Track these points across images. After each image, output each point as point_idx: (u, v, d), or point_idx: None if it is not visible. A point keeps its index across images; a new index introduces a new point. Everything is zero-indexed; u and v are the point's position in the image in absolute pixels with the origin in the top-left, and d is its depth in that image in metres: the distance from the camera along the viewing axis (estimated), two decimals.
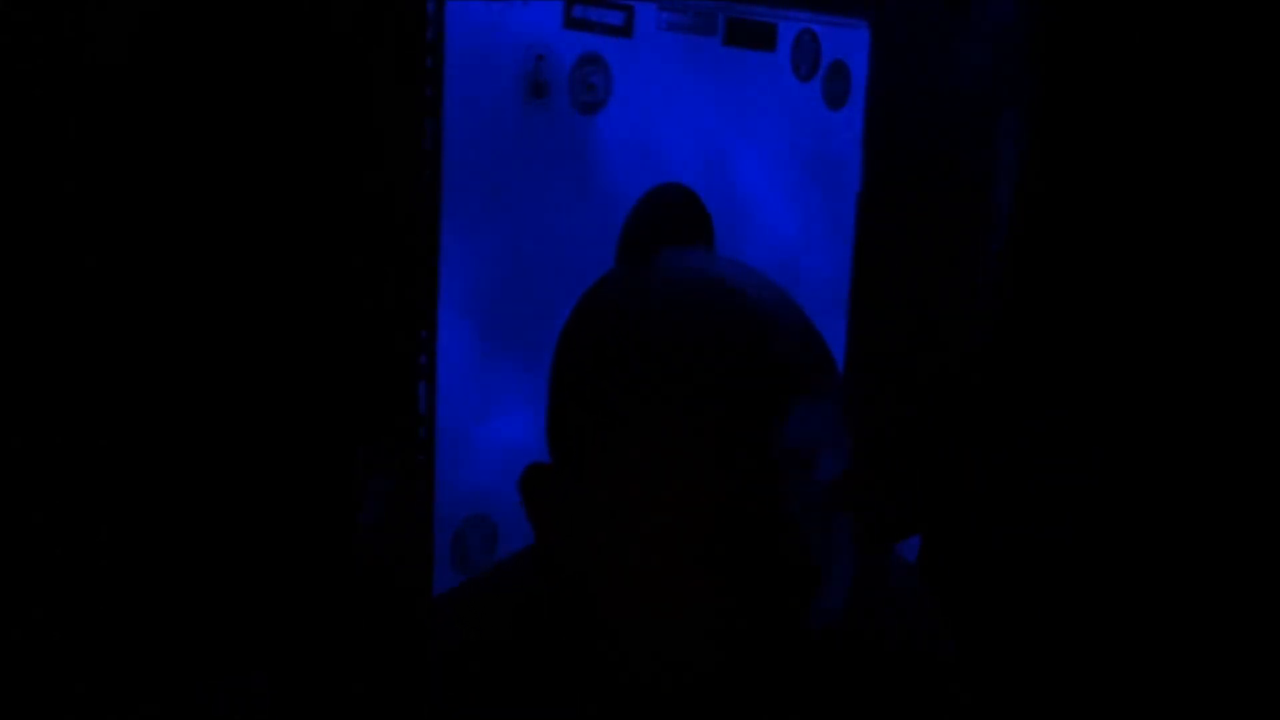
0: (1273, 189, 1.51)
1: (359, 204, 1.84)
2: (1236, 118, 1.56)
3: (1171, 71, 1.60)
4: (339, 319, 1.86)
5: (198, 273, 1.80)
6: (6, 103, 1.63)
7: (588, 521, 0.83)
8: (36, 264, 1.69)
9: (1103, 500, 1.67)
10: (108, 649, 1.79)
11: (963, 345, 2.42)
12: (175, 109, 1.75)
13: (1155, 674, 1.53)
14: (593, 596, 0.86)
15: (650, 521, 0.78)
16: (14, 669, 1.71)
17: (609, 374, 0.83)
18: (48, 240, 1.70)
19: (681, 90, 2.19)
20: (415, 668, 1.97)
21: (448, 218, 1.88)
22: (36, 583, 1.74)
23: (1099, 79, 1.70)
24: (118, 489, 1.78)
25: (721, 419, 0.79)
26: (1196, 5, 1.55)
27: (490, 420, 1.99)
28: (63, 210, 1.70)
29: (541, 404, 2.08)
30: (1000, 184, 2.49)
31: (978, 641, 1.01)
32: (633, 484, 0.78)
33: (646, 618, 0.82)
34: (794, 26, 2.37)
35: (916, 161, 2.62)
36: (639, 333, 0.83)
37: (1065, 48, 1.76)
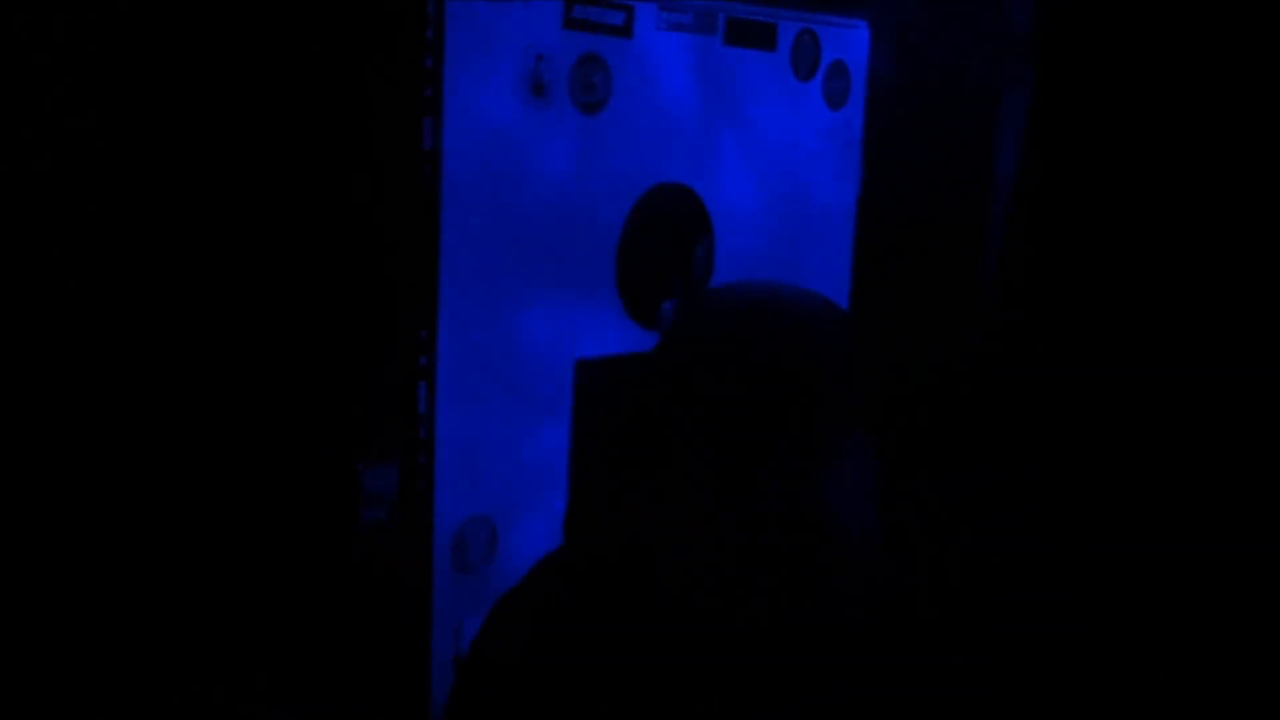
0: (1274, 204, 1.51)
1: (359, 204, 1.84)
2: (1236, 124, 1.56)
3: (1172, 74, 1.60)
4: (339, 319, 1.86)
5: (197, 273, 1.80)
6: (6, 105, 1.63)
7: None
8: (37, 268, 1.69)
9: (1101, 510, 1.67)
10: (109, 649, 1.79)
11: (962, 345, 2.43)
12: (175, 111, 1.75)
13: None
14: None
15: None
16: (18, 668, 1.71)
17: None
18: (47, 244, 1.70)
19: (681, 90, 2.19)
20: (415, 665, 1.97)
21: (448, 218, 1.88)
22: (39, 583, 1.74)
23: (1099, 80, 1.70)
24: (120, 489, 1.78)
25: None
26: (1195, 10, 1.55)
27: (490, 420, 1.99)
28: (62, 213, 1.70)
29: (541, 404, 2.08)
30: (999, 184, 2.49)
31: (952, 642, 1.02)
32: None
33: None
34: (794, 26, 2.37)
35: (916, 161, 2.62)
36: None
37: (1065, 49, 1.76)
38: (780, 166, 2.40)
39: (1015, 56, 2.48)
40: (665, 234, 2.21)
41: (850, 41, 2.48)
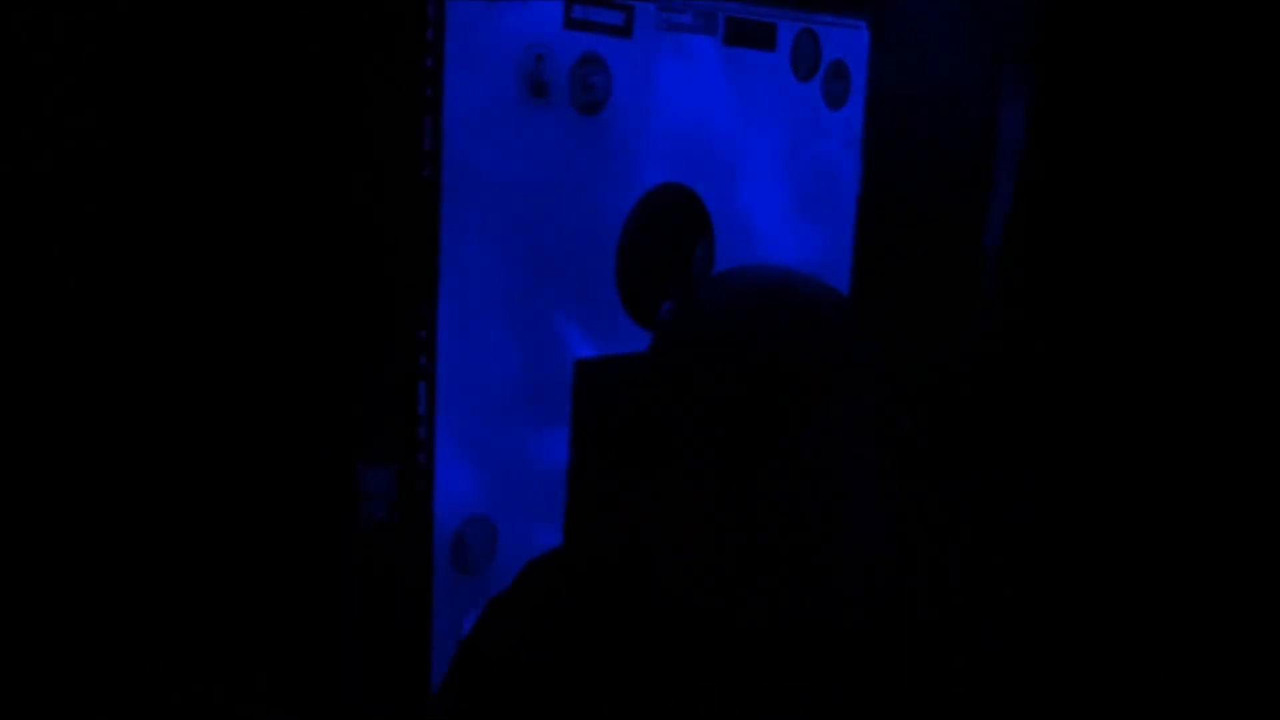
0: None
1: (359, 204, 1.84)
2: (1237, 125, 1.56)
3: (1172, 74, 1.60)
4: (339, 319, 1.86)
5: (197, 273, 1.80)
6: (6, 106, 1.63)
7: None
8: (37, 268, 1.69)
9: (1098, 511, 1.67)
10: (109, 649, 1.79)
11: (961, 344, 2.42)
12: (175, 111, 1.75)
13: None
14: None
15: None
16: (18, 668, 1.71)
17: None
18: (47, 244, 1.70)
19: (681, 90, 2.19)
20: (415, 665, 1.97)
21: (447, 218, 1.88)
22: (39, 583, 1.74)
23: (1099, 80, 1.70)
24: (120, 489, 1.78)
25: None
26: (1195, 11, 1.55)
27: (490, 421, 1.99)
28: (62, 213, 1.70)
29: (541, 404, 2.08)
30: (999, 184, 2.49)
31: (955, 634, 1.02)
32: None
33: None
34: (794, 26, 2.37)
35: (916, 161, 2.62)
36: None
37: (1065, 49, 1.76)
38: (780, 167, 2.40)
39: (1015, 57, 2.48)
40: (665, 234, 2.21)
41: (850, 41, 2.48)
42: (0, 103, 1.62)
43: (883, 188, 2.58)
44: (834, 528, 0.95)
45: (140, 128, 1.73)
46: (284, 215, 1.83)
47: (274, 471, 1.87)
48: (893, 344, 1.02)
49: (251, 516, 1.87)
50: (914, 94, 2.60)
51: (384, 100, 1.81)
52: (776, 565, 0.96)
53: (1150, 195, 1.64)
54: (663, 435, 0.97)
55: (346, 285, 1.84)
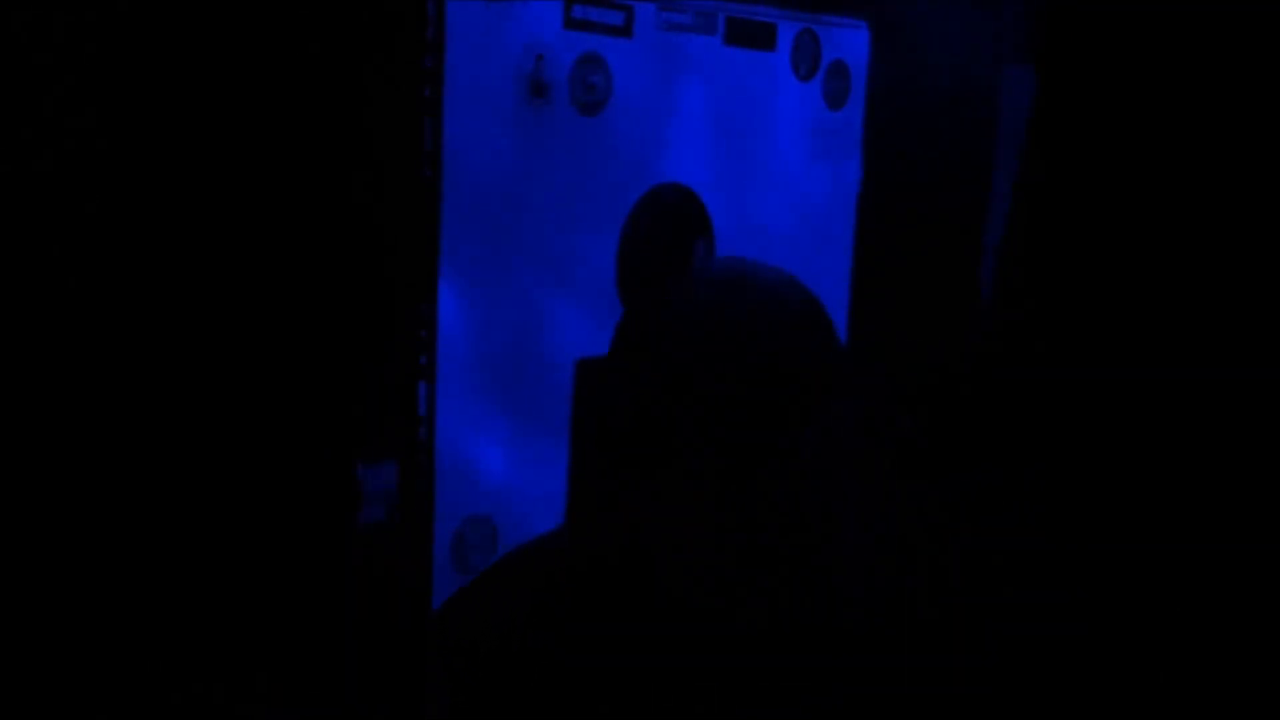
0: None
1: (359, 204, 1.84)
2: (1239, 125, 1.55)
3: (1174, 74, 1.60)
4: (339, 319, 1.86)
5: (197, 273, 1.80)
6: (6, 106, 1.63)
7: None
8: (37, 268, 1.69)
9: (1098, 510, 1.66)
10: (109, 648, 1.79)
11: (961, 344, 2.42)
12: (175, 111, 1.75)
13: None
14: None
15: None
16: (18, 668, 1.71)
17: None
18: (47, 244, 1.70)
19: (681, 90, 2.19)
20: (414, 666, 1.97)
21: (448, 218, 1.88)
22: (38, 583, 1.74)
23: (1099, 79, 1.70)
24: (119, 489, 1.78)
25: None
26: (1197, 11, 1.55)
27: (490, 420, 1.99)
28: (62, 213, 1.70)
29: (541, 403, 2.08)
30: (999, 184, 2.49)
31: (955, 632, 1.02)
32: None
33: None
34: (794, 26, 2.37)
35: (916, 162, 2.62)
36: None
37: (1066, 49, 1.75)
38: (780, 167, 2.40)
39: (1016, 57, 2.48)
40: (665, 234, 2.21)
41: (850, 41, 2.48)
42: (0, 103, 1.62)
43: (883, 188, 2.58)
44: (834, 528, 0.95)
45: (140, 128, 1.73)
46: (284, 215, 1.83)
47: (273, 471, 1.87)
48: (893, 344, 1.02)
49: (250, 516, 1.87)
50: (914, 94, 2.60)
51: (384, 100, 1.81)
52: (776, 565, 0.96)
53: (1151, 195, 1.64)
54: (663, 435, 0.97)
55: (347, 285, 1.84)
